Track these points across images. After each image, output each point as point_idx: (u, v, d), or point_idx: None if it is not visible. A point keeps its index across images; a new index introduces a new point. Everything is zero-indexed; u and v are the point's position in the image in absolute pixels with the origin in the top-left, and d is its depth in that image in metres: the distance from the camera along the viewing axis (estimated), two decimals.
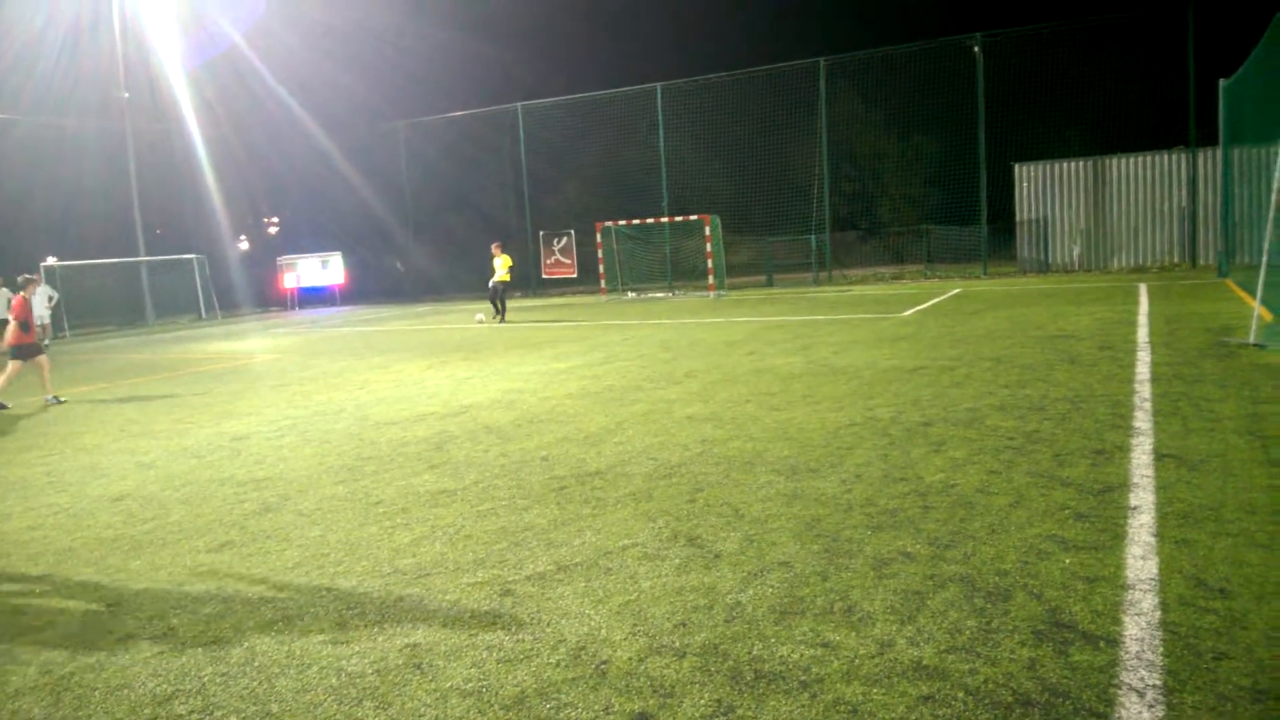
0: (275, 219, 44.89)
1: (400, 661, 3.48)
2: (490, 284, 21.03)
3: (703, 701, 3.04)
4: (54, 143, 32.05)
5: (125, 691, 3.42)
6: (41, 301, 22.81)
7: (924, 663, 3.18)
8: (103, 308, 30.14)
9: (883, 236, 31.15)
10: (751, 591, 3.93)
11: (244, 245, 43.12)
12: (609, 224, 26.63)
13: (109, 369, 16.43)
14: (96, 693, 3.43)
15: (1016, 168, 24.86)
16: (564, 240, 29.47)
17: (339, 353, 16.10)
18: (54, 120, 32.44)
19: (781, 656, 3.32)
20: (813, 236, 27.10)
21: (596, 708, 3.04)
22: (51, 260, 27.47)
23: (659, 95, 28.90)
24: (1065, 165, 24.37)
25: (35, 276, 12.38)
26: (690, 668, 3.27)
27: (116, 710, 3.28)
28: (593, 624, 3.70)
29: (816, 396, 8.38)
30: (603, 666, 3.33)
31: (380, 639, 3.70)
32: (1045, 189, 24.62)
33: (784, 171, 28.29)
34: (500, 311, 21.04)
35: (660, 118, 28.96)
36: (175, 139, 33.51)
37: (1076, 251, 24.32)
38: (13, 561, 5.15)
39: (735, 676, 3.19)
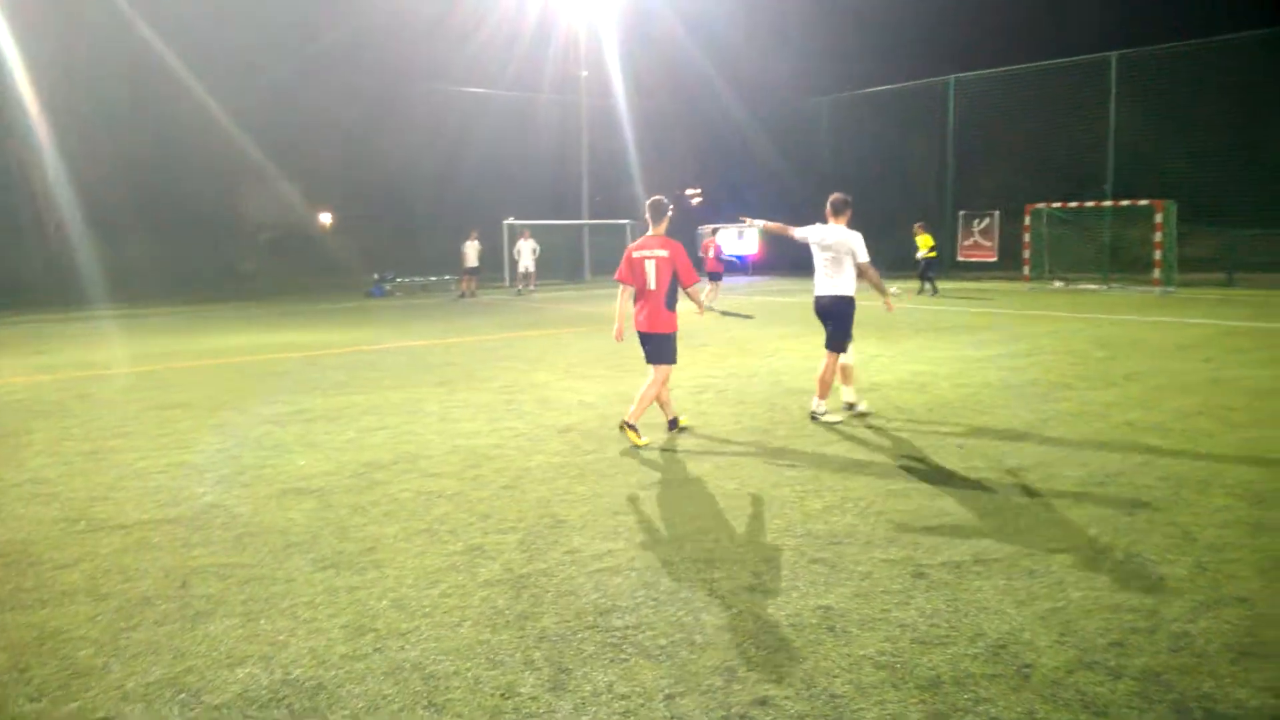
0: (698, 190, 47.30)
1: (814, 621, 3.57)
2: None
3: None
4: (519, 115, 36.53)
5: (571, 598, 3.87)
6: (528, 253, 26.59)
7: None
8: (550, 264, 34.02)
9: None
10: (1203, 623, 3.48)
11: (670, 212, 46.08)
12: (1040, 206, 24.70)
13: (558, 317, 18.58)
14: (548, 594, 3.92)
15: None
16: (986, 221, 27.87)
17: (748, 320, 16.72)
18: (523, 94, 36.91)
19: (1238, 700, 2.92)
20: None
21: (1018, 710, 2.89)
22: (511, 219, 31.42)
23: (1113, 66, 26.07)
24: None
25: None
26: (1127, 691, 2.99)
27: (564, 612, 3.73)
28: (1014, 624, 3.52)
29: None
30: (1025, 670, 3.15)
31: (794, 595, 3.82)
32: None
33: (1257, 154, 24.14)
34: (930, 290, 21.76)
35: (1113, 91, 26.14)
36: (616, 114, 36.58)
37: None
38: (482, 472, 6.03)
39: (1180, 710, 2.87)
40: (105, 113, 28.08)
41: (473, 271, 26.56)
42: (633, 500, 5.25)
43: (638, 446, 6.56)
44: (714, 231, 22.79)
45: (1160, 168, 25.45)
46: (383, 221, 35.64)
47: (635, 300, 6.98)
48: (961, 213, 28.92)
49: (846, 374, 7.69)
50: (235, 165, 30.80)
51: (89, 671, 3.35)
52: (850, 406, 7.66)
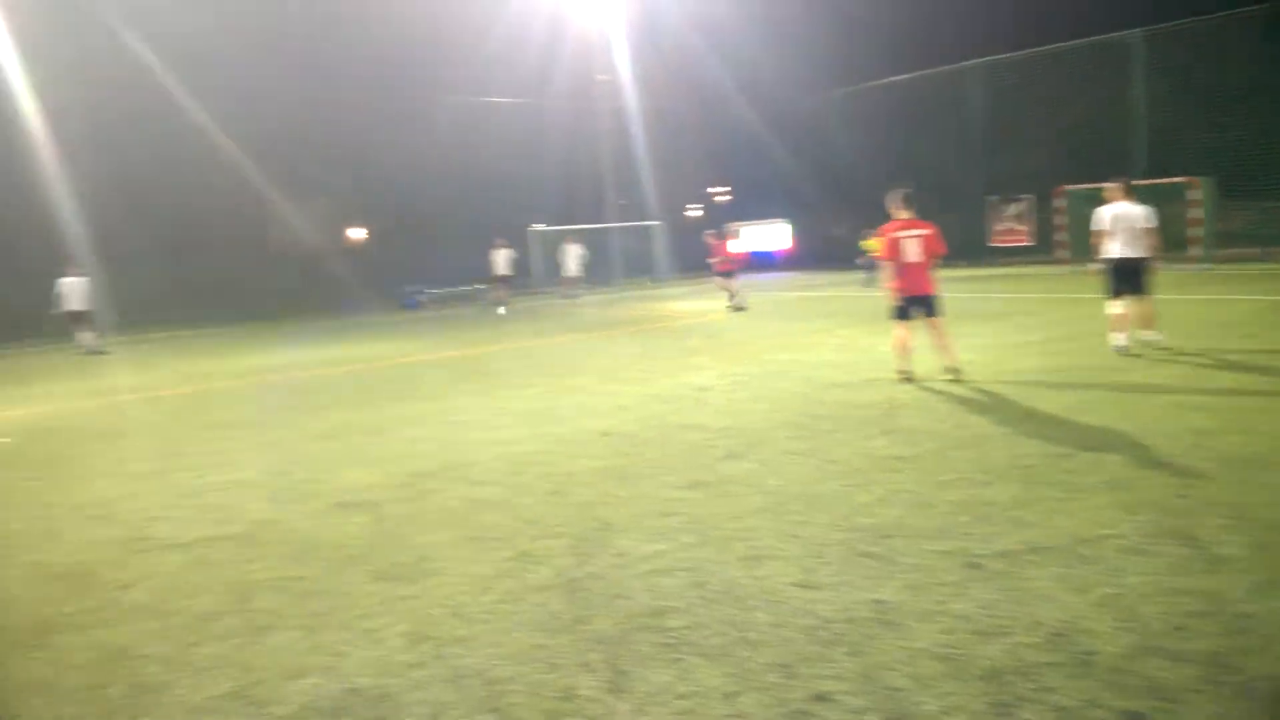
0: (724, 188, 47.16)
1: (868, 615, 3.57)
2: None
3: (1208, 712, 2.75)
4: (532, 121, 36.63)
5: (623, 600, 3.90)
6: (573, 258, 26.70)
7: None
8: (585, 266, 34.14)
9: None
10: (1267, 604, 3.44)
11: (695, 213, 46.06)
12: (1071, 188, 24.37)
13: (586, 321, 18.65)
14: (600, 597, 3.96)
15: None
16: (1017, 206, 27.56)
17: (782, 315, 16.69)
18: (536, 101, 37.02)
19: None
20: None
21: (1082, 697, 2.88)
22: (537, 226, 31.53)
23: (1138, 43, 25.67)
24: None
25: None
26: (1192, 675, 2.96)
27: (617, 614, 3.76)
28: (1073, 611, 3.49)
29: None
30: (1087, 657, 3.13)
31: (846, 590, 3.82)
32: None
33: None
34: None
35: (1140, 69, 25.73)
36: (632, 117, 36.58)
37: None
38: (526, 478, 6.08)
39: (1247, 692, 2.84)
40: (135, 148, 28.59)
41: (504, 279, 26.74)
42: (677, 501, 5.27)
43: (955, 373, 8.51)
44: (720, 232, 22.53)
45: (1191, 144, 24.99)
46: (410, 234, 35.93)
47: (898, 273, 8.65)
48: (992, 198, 28.61)
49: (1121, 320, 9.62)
50: (263, 188, 31.22)
51: (158, 687, 3.44)
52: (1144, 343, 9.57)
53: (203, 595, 4.33)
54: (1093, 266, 11.44)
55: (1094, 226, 10.20)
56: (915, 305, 8.68)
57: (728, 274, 20.04)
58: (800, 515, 4.85)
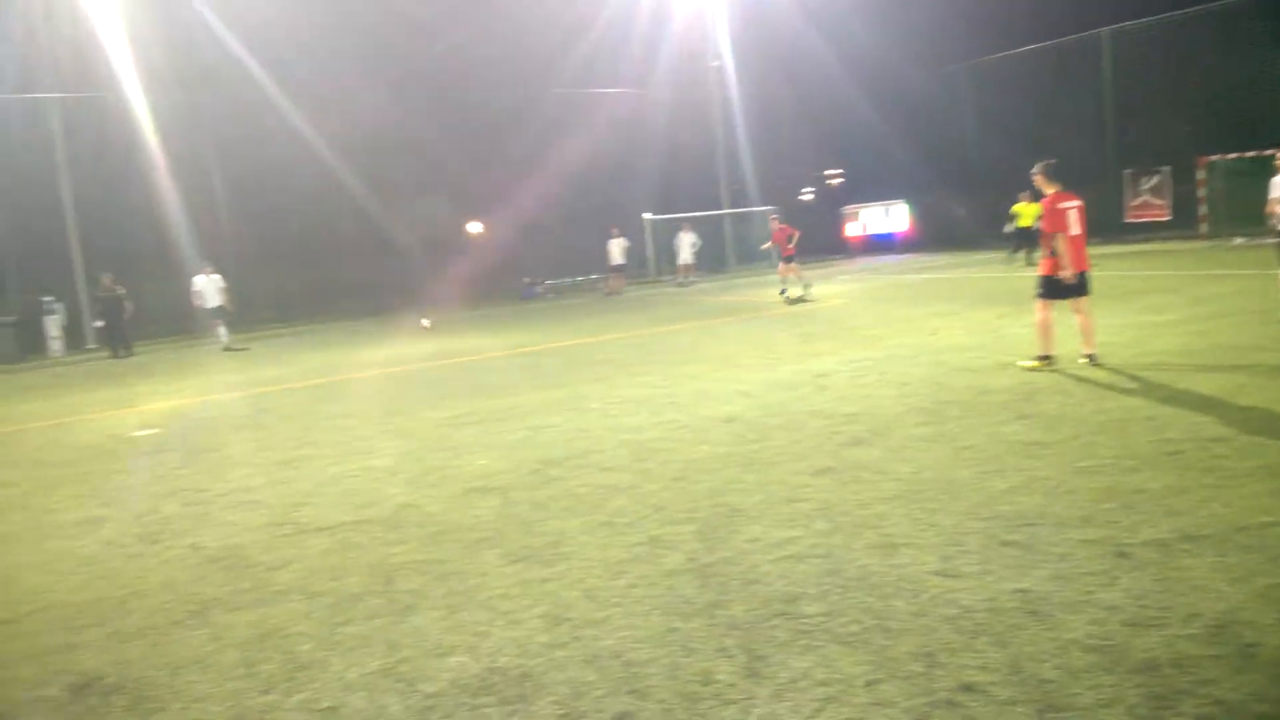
0: (837, 171, 46.29)
1: (1013, 605, 3.46)
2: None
3: None
4: (644, 109, 36.63)
5: (757, 586, 3.89)
6: (687, 246, 26.77)
7: None
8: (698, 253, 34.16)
9: None
10: None
11: (808, 197, 45.38)
12: (1215, 158, 22.96)
13: (702, 308, 18.62)
14: (734, 583, 3.95)
15: None
16: (1155, 179, 26.12)
17: (903, 299, 16.28)
18: (644, 90, 37.00)
19: None
20: None
21: (1244, 691, 2.72)
22: (649, 214, 31.60)
23: None
24: None
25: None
26: None
27: (751, 600, 3.75)
28: (1231, 602, 3.30)
29: None
30: (1250, 650, 2.96)
31: (988, 579, 3.71)
32: None
33: None
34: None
35: None
36: (745, 101, 36.19)
37: None
38: (650, 464, 6.12)
39: None
40: (266, 157, 30.06)
41: (619, 268, 26.96)
42: (805, 488, 5.21)
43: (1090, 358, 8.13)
44: (783, 216, 21.95)
45: None
46: (526, 226, 36.57)
47: (1064, 247, 8.15)
48: (1127, 171, 27.20)
49: None
50: (384, 187, 32.32)
51: (311, 664, 3.60)
52: None
53: (348, 577, 4.52)
54: (1271, 238, 11.03)
55: (1272, 194, 10.04)
56: (1071, 283, 8.22)
57: (790, 260, 19.59)
58: (934, 502, 4.73)
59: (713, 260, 34.33)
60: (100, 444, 9.36)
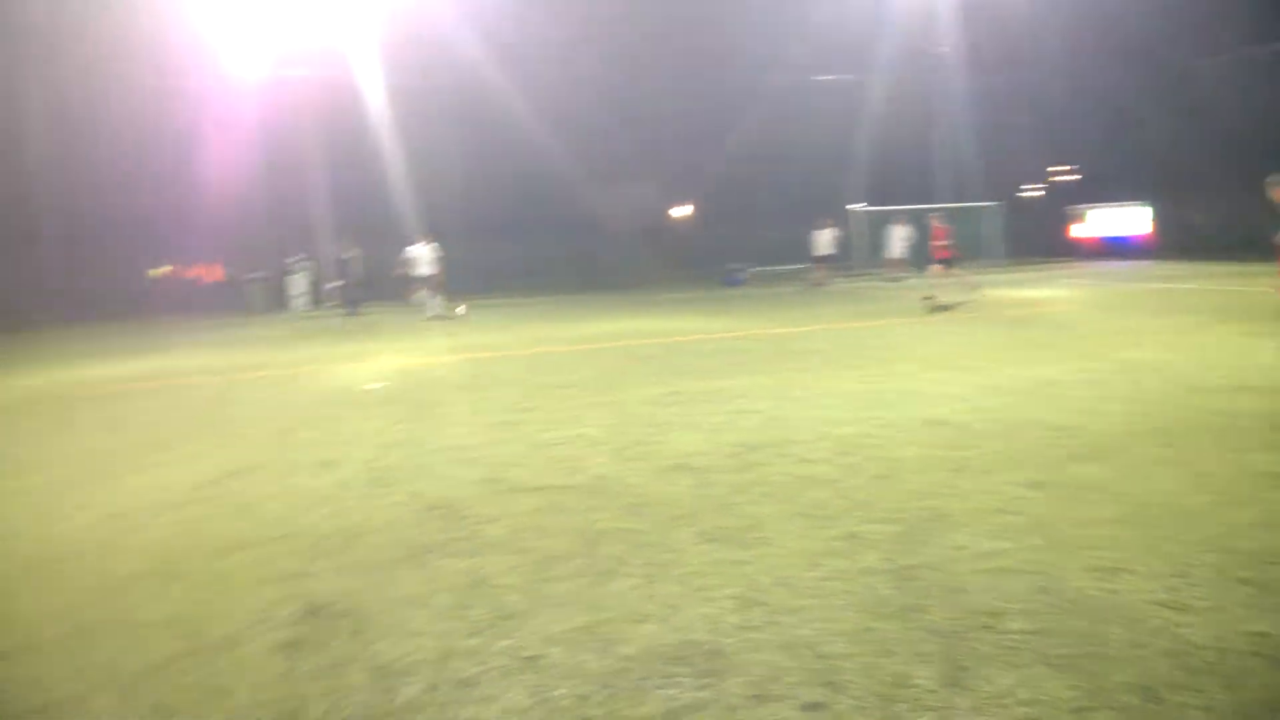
0: (1070, 167, 43.43)
1: (1244, 647, 3.18)
2: None
3: None
4: (859, 98, 35.70)
5: (959, 595, 3.75)
6: (900, 240, 26.10)
7: None
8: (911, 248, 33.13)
9: None
10: None
11: (1034, 193, 42.84)
12: None
13: (912, 305, 18.03)
14: (934, 589, 3.84)
15: None
16: None
17: (1138, 309, 15.10)
18: (860, 78, 35.99)
19: None
20: None
21: None
22: (856, 205, 30.84)
23: None
24: None
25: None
26: None
27: (953, 609, 3.63)
28: None
29: None
30: None
31: (1218, 617, 3.42)
32: None
33: None
34: None
35: None
36: (978, 91, 34.51)
37: None
38: (854, 460, 6.02)
39: None
40: (493, 141, 31.76)
41: (826, 259, 26.54)
42: (1019, 500, 4.98)
43: None
44: (944, 217, 20.38)
45: None
46: (733, 212, 36.65)
47: None
48: None
49: None
50: (597, 170, 33.40)
51: (516, 614, 3.82)
52: None
53: (553, 537, 4.74)
54: None
55: None
56: None
57: (947, 262, 18.27)
58: (1163, 529, 4.40)
59: (921, 256, 33.10)
60: (334, 394, 10.24)
